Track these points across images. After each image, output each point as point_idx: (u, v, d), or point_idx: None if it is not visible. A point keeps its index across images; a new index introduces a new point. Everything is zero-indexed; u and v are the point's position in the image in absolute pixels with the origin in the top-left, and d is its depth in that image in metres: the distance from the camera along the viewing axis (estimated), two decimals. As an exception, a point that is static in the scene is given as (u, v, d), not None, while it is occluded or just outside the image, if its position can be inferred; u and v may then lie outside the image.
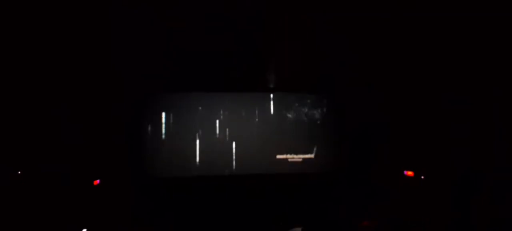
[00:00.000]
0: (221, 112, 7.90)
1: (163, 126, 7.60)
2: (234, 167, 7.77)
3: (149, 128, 7.53)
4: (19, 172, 4.51)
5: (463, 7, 3.09)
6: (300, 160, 8.09)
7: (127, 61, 5.14)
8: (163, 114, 7.59)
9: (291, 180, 7.99)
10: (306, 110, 8.15)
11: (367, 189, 7.52)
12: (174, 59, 5.31)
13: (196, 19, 3.66)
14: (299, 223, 7.47)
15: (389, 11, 3.19)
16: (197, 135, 7.78)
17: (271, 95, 7.90)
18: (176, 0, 3.11)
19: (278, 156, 7.98)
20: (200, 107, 7.79)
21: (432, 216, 5.79)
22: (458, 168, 5.34)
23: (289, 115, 8.09)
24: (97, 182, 6.19)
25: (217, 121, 7.89)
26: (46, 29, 3.68)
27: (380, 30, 3.64)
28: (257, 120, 8.07)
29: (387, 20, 3.38)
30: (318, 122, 8.29)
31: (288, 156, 8.03)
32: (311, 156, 8.09)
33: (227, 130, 7.92)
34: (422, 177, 5.92)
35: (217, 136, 7.84)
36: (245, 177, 7.65)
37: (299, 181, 8.06)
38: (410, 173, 6.20)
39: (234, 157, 7.87)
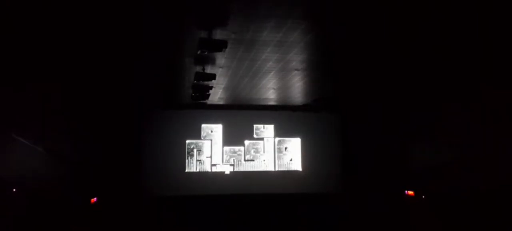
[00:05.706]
0: (221, 128, 7.86)
1: (162, 143, 7.51)
2: (236, 185, 7.73)
3: (149, 146, 7.44)
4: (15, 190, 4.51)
5: (463, 7, 3.09)
6: (301, 170, 8.12)
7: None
8: (161, 131, 7.53)
9: (291, 185, 7.98)
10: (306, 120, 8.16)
11: (367, 190, 7.52)
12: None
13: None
14: (299, 223, 7.49)
15: (388, 11, 3.18)
16: (198, 153, 7.65)
17: (272, 113, 7.93)
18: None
19: (280, 169, 8.02)
20: (201, 125, 7.75)
21: (432, 216, 5.81)
22: (458, 168, 5.34)
23: (291, 131, 8.13)
24: (94, 200, 6.22)
25: (216, 137, 7.83)
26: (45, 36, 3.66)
27: (380, 33, 3.63)
28: (257, 136, 8.06)
29: (386, 21, 3.38)
30: (318, 125, 8.27)
31: (288, 169, 8.06)
32: (312, 166, 8.13)
33: (228, 147, 7.87)
34: (423, 197, 5.99)
35: (216, 155, 7.69)
36: (247, 195, 7.63)
37: (299, 183, 8.06)
38: (410, 192, 6.29)
39: (235, 177, 7.80)
